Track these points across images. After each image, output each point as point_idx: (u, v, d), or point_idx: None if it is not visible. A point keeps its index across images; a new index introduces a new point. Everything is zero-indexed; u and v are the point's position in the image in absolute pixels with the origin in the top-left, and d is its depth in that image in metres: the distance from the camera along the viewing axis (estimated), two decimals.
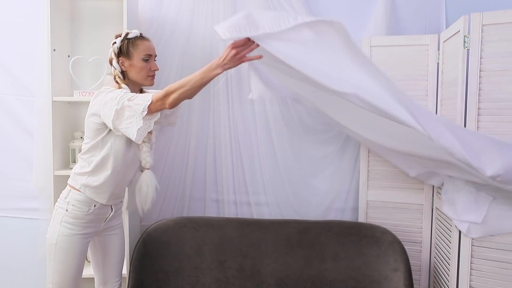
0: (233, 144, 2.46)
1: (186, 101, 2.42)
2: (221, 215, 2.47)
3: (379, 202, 2.31)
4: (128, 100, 1.62)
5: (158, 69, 1.80)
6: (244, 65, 2.23)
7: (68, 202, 1.72)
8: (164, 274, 2.10)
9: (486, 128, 1.76)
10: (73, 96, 2.22)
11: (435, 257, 2.16)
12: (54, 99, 2.12)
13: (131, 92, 1.73)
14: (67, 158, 2.30)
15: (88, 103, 2.28)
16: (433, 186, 2.19)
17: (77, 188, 1.72)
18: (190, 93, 1.63)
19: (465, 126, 1.80)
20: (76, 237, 1.71)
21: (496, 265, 1.76)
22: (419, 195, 2.23)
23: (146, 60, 1.75)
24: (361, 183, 2.33)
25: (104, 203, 1.76)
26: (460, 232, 1.82)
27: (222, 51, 1.52)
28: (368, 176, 2.32)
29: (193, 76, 1.60)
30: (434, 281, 2.16)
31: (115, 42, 1.75)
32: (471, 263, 1.80)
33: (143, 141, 1.73)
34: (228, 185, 2.48)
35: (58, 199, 1.77)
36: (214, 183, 2.49)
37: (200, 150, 2.48)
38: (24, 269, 2.48)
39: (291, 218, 2.37)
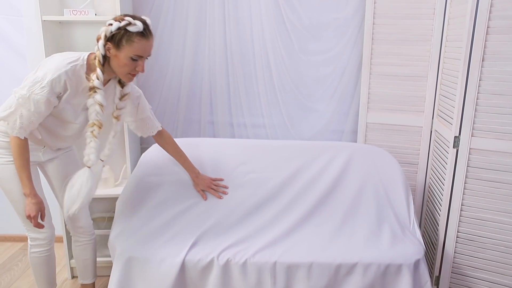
0: (229, 65, 2.41)
1: (181, 22, 2.37)
2: (217, 138, 2.48)
3: (379, 124, 2.31)
4: (28, 110, 1.49)
5: (143, 72, 1.58)
6: None
7: None
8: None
9: (493, 48, 1.70)
10: (63, 15, 2.11)
11: (430, 178, 2.21)
12: (43, 19, 2.02)
13: (104, 80, 1.58)
14: None
15: (79, 22, 2.20)
16: (433, 109, 2.18)
17: None
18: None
19: (471, 46, 1.73)
20: (11, 165, 1.63)
21: (489, 185, 1.80)
22: (419, 117, 2.23)
23: (134, 60, 1.55)
24: (361, 105, 2.31)
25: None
26: (457, 153, 1.85)
27: None
28: (368, 98, 2.29)
29: (17, 161, 1.56)
30: (427, 201, 2.23)
31: (111, 24, 1.51)
32: (465, 183, 1.85)
33: (94, 136, 1.59)
34: (224, 107, 2.46)
35: None
36: (209, 105, 2.48)
37: (195, 71, 2.43)
38: None
39: (288, 140, 2.40)
